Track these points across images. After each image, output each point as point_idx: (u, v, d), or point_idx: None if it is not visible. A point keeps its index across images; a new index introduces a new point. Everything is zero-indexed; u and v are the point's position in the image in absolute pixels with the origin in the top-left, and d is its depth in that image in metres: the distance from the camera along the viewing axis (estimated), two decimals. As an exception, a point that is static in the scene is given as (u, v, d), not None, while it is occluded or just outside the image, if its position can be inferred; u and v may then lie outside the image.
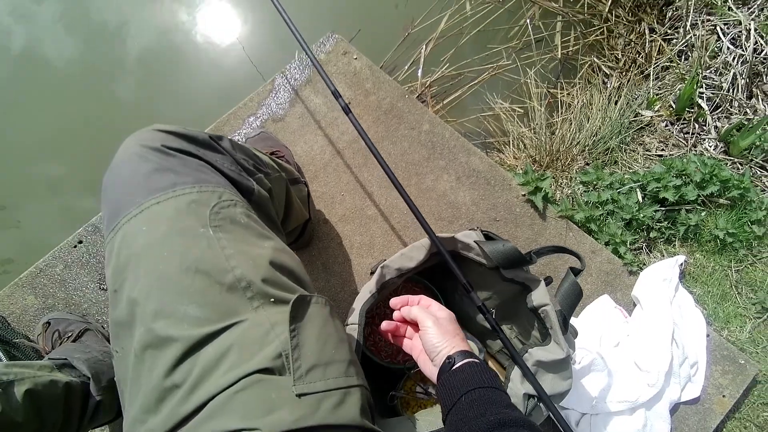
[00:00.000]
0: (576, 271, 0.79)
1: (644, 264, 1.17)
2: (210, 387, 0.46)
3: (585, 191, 1.30)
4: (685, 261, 1.18)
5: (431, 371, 0.64)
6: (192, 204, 0.55)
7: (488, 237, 0.88)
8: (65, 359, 0.95)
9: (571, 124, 1.51)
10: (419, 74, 1.74)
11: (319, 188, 1.26)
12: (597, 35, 1.70)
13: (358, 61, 1.40)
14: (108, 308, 0.98)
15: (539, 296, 0.81)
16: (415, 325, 0.71)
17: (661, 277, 1.11)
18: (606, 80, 1.62)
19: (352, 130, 1.33)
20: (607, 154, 1.45)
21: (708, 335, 1.08)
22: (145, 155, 0.57)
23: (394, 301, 0.72)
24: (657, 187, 1.24)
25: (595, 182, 1.30)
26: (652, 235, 1.23)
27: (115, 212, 0.55)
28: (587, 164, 1.43)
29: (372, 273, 0.88)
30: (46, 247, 1.31)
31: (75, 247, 1.25)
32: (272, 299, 0.52)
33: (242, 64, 1.81)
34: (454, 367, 0.60)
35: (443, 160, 1.28)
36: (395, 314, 0.72)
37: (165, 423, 0.46)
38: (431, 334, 0.64)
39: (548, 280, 0.86)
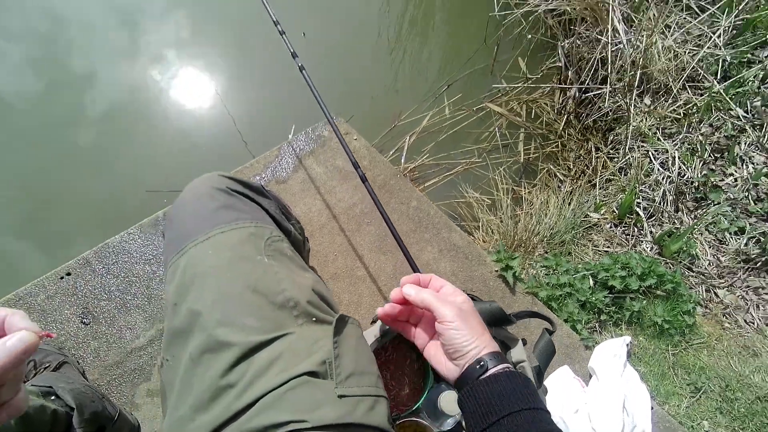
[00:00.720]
0: (550, 332, 0.92)
1: (597, 341, 1.33)
2: (263, 385, 0.53)
3: (546, 274, 1.49)
4: (630, 342, 1.35)
5: (448, 370, 0.56)
6: (251, 236, 0.66)
7: (473, 298, 1.01)
8: (50, 387, 0.93)
9: (532, 217, 1.74)
10: (402, 160, 1.96)
11: (314, 246, 1.36)
12: (553, 147, 2.01)
13: (357, 141, 1.59)
14: (85, 342, 1.15)
15: (518, 353, 0.93)
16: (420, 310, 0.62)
17: (611, 353, 1.26)
18: (560, 185, 1.90)
19: (348, 198, 1.47)
20: (562, 245, 1.67)
21: (652, 408, 1.22)
22: (213, 194, 0.69)
23: (404, 279, 0.60)
24: (606, 276, 1.44)
25: (554, 267, 1.49)
26: (602, 317, 1.41)
27: (182, 238, 0.65)
28: (546, 252, 1.64)
29: (373, 322, 0.97)
30: None
31: (62, 278, 1.25)
32: (314, 318, 0.62)
33: (210, 129, 1.97)
34: (487, 374, 0.51)
35: (428, 233, 1.44)
36: (394, 294, 0.59)
37: (217, 418, 0.52)
38: (455, 329, 0.53)
39: (523, 342, 0.99)
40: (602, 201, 1.79)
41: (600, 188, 1.84)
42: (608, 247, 1.68)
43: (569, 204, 1.77)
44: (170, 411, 0.58)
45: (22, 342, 0.36)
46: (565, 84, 2.06)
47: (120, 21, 2.17)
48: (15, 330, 0.37)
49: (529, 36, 2.25)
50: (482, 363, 0.52)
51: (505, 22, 2.21)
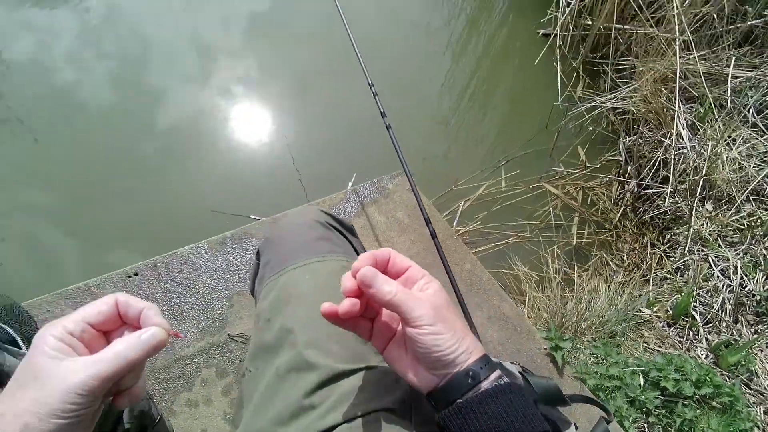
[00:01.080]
0: (607, 421, 0.89)
1: (643, 444, 1.26)
2: (343, 413, 0.53)
3: (594, 361, 1.44)
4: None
5: (420, 379, 0.45)
6: (343, 269, 0.68)
7: (524, 371, 0.99)
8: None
9: (581, 302, 1.72)
10: (455, 223, 1.99)
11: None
12: (607, 236, 2.01)
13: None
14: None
15: (571, 436, 0.90)
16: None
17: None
18: (613, 274, 1.88)
19: (405, 251, 1.50)
20: (611, 336, 1.62)
21: None
22: (313, 225, 0.73)
23: (358, 263, 0.45)
24: (658, 376, 1.39)
25: (603, 356, 1.45)
26: (651, 419, 1.34)
27: (282, 261, 0.69)
28: (594, 339, 1.60)
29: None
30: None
31: (130, 277, 1.30)
32: None
33: (268, 163, 2.10)
34: (480, 390, 0.42)
35: (478, 298, 1.43)
36: (347, 283, 0.45)
37: None
38: (434, 334, 0.41)
39: (575, 427, 0.96)
40: (656, 298, 1.75)
41: (654, 285, 1.81)
42: (659, 346, 1.62)
43: (621, 296, 1.75)
44: (247, 420, 0.58)
45: (155, 338, 0.39)
46: (624, 178, 2.10)
47: (199, 52, 2.43)
48: (149, 324, 0.39)
49: (591, 128, 2.32)
50: (472, 374, 0.42)
51: (569, 114, 2.31)
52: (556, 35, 2.46)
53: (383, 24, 2.66)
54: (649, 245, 1.93)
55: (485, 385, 0.42)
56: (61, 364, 0.34)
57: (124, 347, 0.37)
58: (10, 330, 0.94)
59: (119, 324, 0.40)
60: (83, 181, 1.93)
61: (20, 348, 0.98)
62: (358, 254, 0.77)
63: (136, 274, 1.30)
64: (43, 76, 2.21)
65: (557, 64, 2.44)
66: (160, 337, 0.39)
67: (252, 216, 1.88)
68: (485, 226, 2.00)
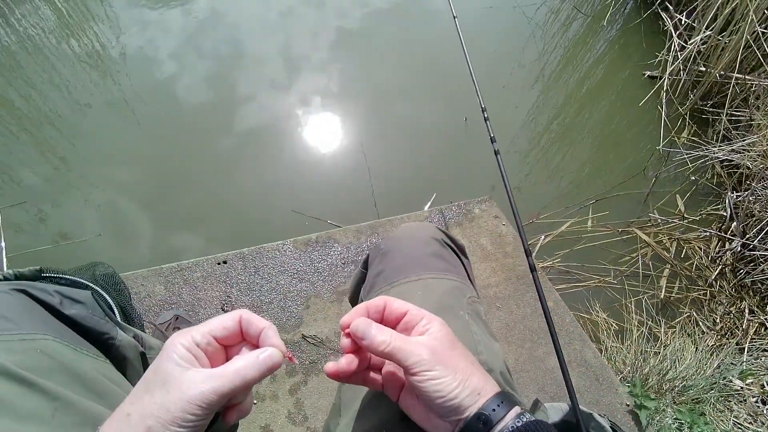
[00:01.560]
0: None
1: None
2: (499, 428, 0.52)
3: (678, 427, 1.33)
4: None
5: (435, 427, 0.43)
6: (455, 290, 0.67)
7: (615, 428, 0.93)
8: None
9: (664, 360, 1.60)
10: (532, 257, 1.93)
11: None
12: (700, 294, 1.86)
13: (506, 227, 1.60)
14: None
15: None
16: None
17: None
18: (702, 336, 1.74)
19: (485, 278, 1.47)
20: (696, 402, 1.49)
21: None
22: (429, 242, 0.72)
23: (348, 317, 0.44)
24: (750, 457, 1.26)
25: (690, 425, 1.33)
26: (738, 503, 1.22)
27: (395, 272, 0.68)
28: (675, 403, 1.47)
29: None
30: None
31: (219, 264, 1.36)
32: None
33: (345, 174, 2.15)
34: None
35: (559, 339, 1.37)
36: (344, 340, 0.44)
37: None
38: (434, 379, 0.39)
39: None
40: (750, 370, 1.60)
41: (750, 355, 1.65)
42: (751, 423, 1.47)
43: (710, 360, 1.61)
44: (342, 428, 0.57)
45: (272, 359, 0.39)
46: (727, 235, 1.94)
47: (286, 62, 2.56)
48: (268, 344, 0.40)
49: (693, 178, 2.18)
50: (484, 418, 0.39)
51: (675, 160, 2.19)
52: (663, 78, 2.35)
53: (472, 47, 2.67)
54: (747, 311, 1.77)
55: (502, 427, 0.39)
56: (185, 374, 0.36)
57: (244, 365, 0.38)
58: (109, 299, 1.01)
59: (240, 340, 0.42)
60: (171, 167, 2.07)
61: (116, 316, 1.06)
62: (468, 277, 0.76)
63: (225, 262, 1.37)
64: (149, 67, 2.42)
65: (662, 107, 2.32)
66: (277, 359, 0.39)
67: (329, 221, 1.92)
68: (566, 264, 1.92)
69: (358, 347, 0.44)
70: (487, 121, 1.22)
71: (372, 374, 0.48)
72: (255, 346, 0.41)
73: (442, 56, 2.58)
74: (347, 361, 0.43)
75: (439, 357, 0.40)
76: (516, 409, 0.40)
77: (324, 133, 2.26)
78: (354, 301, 0.83)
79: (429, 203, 2.01)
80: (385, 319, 0.45)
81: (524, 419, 0.39)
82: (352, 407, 0.59)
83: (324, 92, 2.43)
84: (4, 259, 1.51)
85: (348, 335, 0.44)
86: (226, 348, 0.42)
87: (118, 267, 1.30)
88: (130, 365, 0.61)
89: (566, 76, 2.65)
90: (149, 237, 1.87)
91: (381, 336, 0.41)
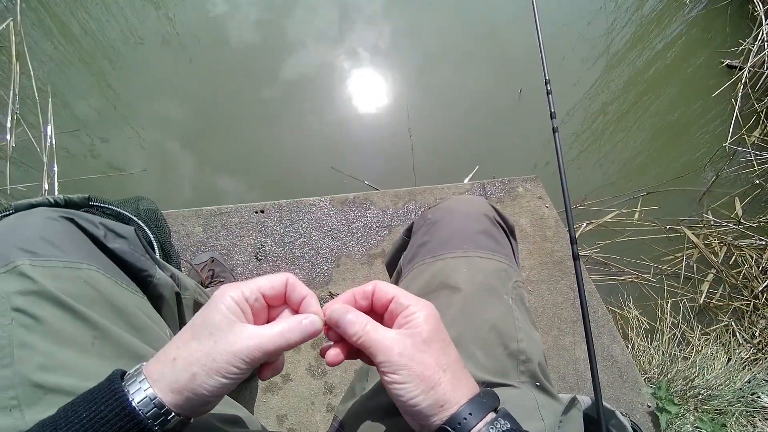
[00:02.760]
0: None
1: None
2: (479, 425, 0.51)
3: (697, 436, 1.30)
4: None
5: (415, 427, 0.41)
6: (502, 272, 0.64)
7: (636, 428, 0.91)
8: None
9: (692, 366, 1.55)
10: (577, 246, 1.87)
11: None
12: (743, 304, 1.78)
13: (549, 210, 1.55)
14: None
15: None
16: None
17: None
18: (737, 347, 1.67)
19: (521, 260, 1.43)
20: (718, 413, 1.45)
21: None
22: (479, 218, 0.68)
23: (326, 306, 0.42)
24: (770, 477, 1.22)
25: (710, 434, 1.30)
26: None
27: (441, 246, 0.65)
28: (697, 410, 1.44)
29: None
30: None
31: (257, 212, 1.38)
32: (537, 383, 0.57)
33: (387, 135, 2.09)
34: None
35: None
36: (330, 333, 0.43)
37: None
38: (394, 383, 0.37)
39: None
40: (785, 389, 1.53)
41: (786, 374, 1.58)
42: (776, 443, 1.42)
43: (741, 373, 1.54)
44: (371, 395, 0.57)
45: (314, 325, 0.39)
46: (785, 246, 1.83)
47: (338, 11, 2.47)
48: (310, 311, 0.40)
49: (758, 181, 2.04)
50: (457, 427, 0.37)
51: (740, 161, 2.04)
52: (743, 69, 2.16)
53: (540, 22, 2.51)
54: (792, 330, 1.68)
55: None
56: (233, 327, 0.36)
57: (288, 328, 0.38)
58: (150, 234, 1.03)
59: (282, 302, 0.42)
60: (217, 109, 2.08)
61: (155, 253, 1.08)
62: (516, 260, 0.72)
63: (262, 211, 1.38)
64: (203, 5, 2.38)
65: (736, 101, 2.15)
66: (318, 326, 0.40)
67: (366, 182, 1.90)
68: (604, 255, 1.86)
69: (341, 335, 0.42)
70: (550, 95, 1.15)
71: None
72: (295, 310, 0.42)
73: (502, 20, 2.45)
74: (334, 354, 0.42)
75: (407, 358, 0.37)
76: (488, 417, 0.38)
77: (368, 90, 2.21)
78: (392, 267, 0.81)
79: (470, 176, 1.96)
80: (374, 306, 0.43)
81: (497, 428, 0.37)
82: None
83: (373, 48, 2.36)
84: (56, 184, 1.57)
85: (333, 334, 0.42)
86: (269, 307, 0.42)
87: (161, 203, 1.34)
88: (166, 304, 0.63)
89: (634, 56, 2.48)
90: (190, 177, 1.91)
91: (355, 326, 0.39)
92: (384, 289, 0.42)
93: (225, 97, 2.10)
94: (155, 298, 0.62)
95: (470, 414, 0.37)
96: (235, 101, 2.10)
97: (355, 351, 0.43)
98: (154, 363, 0.36)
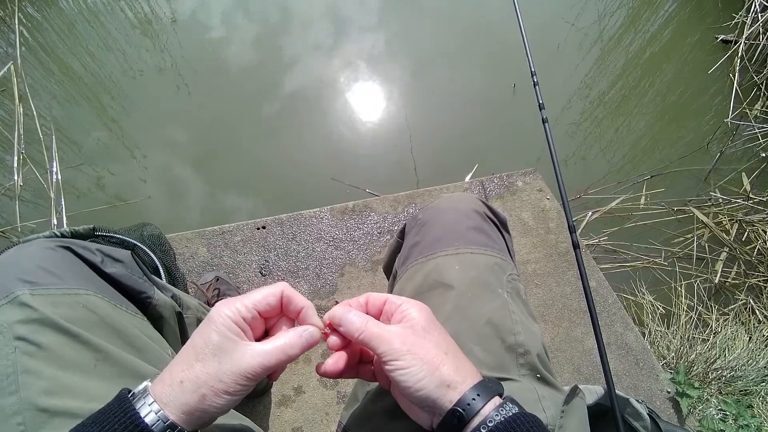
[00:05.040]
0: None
1: None
2: (478, 419, 0.51)
3: (722, 418, 1.27)
4: None
5: (419, 418, 0.42)
6: (495, 266, 0.64)
7: (651, 413, 0.89)
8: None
9: (713, 348, 1.51)
10: (577, 234, 1.85)
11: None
12: (759, 280, 1.74)
13: (550, 202, 1.54)
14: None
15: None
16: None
17: None
18: (758, 325, 1.63)
19: (525, 254, 1.43)
20: (744, 394, 1.42)
21: None
22: (470, 214, 0.69)
23: (331, 312, 0.44)
24: (800, 454, 1.19)
25: (735, 416, 1.27)
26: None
27: (432, 245, 0.66)
28: (721, 393, 1.41)
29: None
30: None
31: (258, 229, 1.40)
32: (537, 375, 0.57)
33: (386, 142, 2.11)
34: (478, 430, 0.37)
35: (600, 321, 1.33)
36: (330, 338, 0.44)
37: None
38: (398, 369, 0.38)
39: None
40: (810, 364, 1.49)
41: (810, 348, 1.54)
42: (805, 420, 1.38)
43: (763, 352, 1.51)
44: (372, 398, 0.57)
45: (313, 337, 0.41)
46: (798, 218, 1.79)
47: (333, 24, 2.50)
48: (308, 323, 0.42)
49: (764, 154, 2.00)
50: (459, 413, 0.37)
51: (744, 135, 2.01)
52: (738, 43, 2.14)
53: (527, 11, 2.51)
54: (813, 303, 1.64)
55: (479, 422, 0.37)
56: (236, 347, 0.38)
57: (288, 343, 0.40)
58: (155, 258, 1.04)
59: (279, 313, 0.43)
60: (219, 132, 2.11)
61: (161, 277, 1.06)
62: (510, 253, 0.72)
63: (264, 227, 1.40)
64: (200, 32, 2.43)
65: (734, 76, 2.12)
66: (317, 337, 0.42)
67: (367, 190, 1.91)
68: (613, 243, 1.84)
69: (346, 343, 0.44)
70: (536, 86, 1.15)
71: (363, 367, 0.47)
72: (292, 320, 0.44)
73: (492, 18, 2.46)
74: (334, 361, 0.43)
75: (409, 345, 0.39)
76: (495, 401, 0.38)
77: (366, 99, 2.23)
78: (388, 270, 0.82)
79: (470, 174, 1.96)
80: (369, 313, 0.44)
81: (504, 412, 0.37)
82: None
83: (368, 57, 2.38)
84: (65, 218, 1.61)
85: (330, 328, 0.44)
86: (266, 319, 0.43)
87: (170, 227, 1.36)
88: (167, 324, 0.64)
89: (628, 40, 2.46)
90: (198, 199, 1.94)
91: (357, 323, 0.41)
92: (375, 296, 0.45)
93: (227, 118, 2.14)
94: (155, 319, 0.63)
95: (478, 395, 0.38)
96: (237, 121, 2.13)
97: (354, 366, 0.45)
98: (160, 385, 0.37)
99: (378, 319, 0.43)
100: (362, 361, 0.47)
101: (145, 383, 0.37)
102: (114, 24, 2.40)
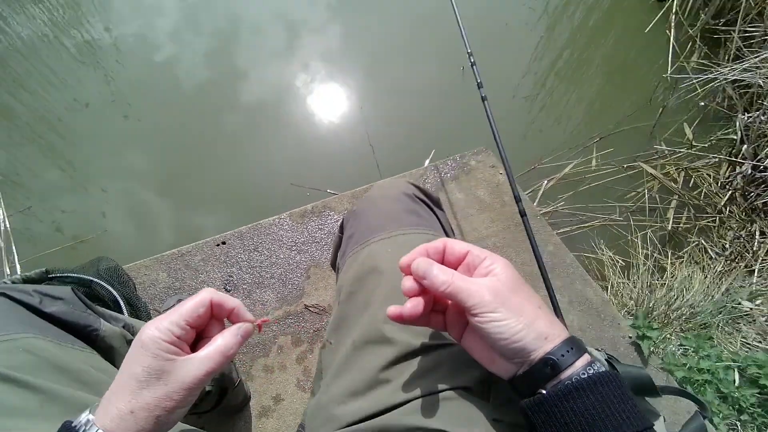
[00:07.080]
0: (704, 416, 0.83)
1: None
2: (419, 389, 0.52)
3: (683, 353, 1.35)
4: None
5: (499, 368, 0.43)
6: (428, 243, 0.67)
7: (610, 358, 0.95)
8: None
9: (671, 290, 1.60)
10: (535, 203, 1.91)
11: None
12: (709, 221, 1.83)
13: (503, 176, 1.59)
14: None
15: (659, 429, 0.85)
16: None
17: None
18: (711, 263, 1.72)
19: (483, 229, 1.47)
20: (703, 328, 1.50)
21: None
22: (400, 198, 0.72)
23: (407, 257, 0.45)
24: (757, 373, 1.27)
25: (694, 349, 1.34)
26: (743, 417, 1.24)
27: (366, 233, 0.68)
28: (683, 330, 1.49)
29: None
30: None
31: (218, 245, 1.41)
32: None
33: (346, 138, 2.15)
34: (564, 382, 0.37)
35: (560, 281, 1.38)
36: (406, 283, 0.44)
37: (369, 408, 0.53)
38: (496, 321, 0.38)
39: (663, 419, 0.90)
40: (760, 290, 1.59)
41: (759, 276, 1.63)
42: (760, 341, 1.47)
43: (719, 286, 1.60)
44: (323, 389, 0.60)
45: (248, 333, 0.45)
46: (737, 159, 1.88)
47: (285, 28, 2.52)
48: (242, 321, 0.45)
49: (703, 104, 2.09)
50: (551, 363, 0.38)
51: (680, 87, 2.10)
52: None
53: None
54: (758, 233, 1.73)
55: (570, 374, 0.37)
56: (177, 365, 0.39)
57: (225, 344, 0.42)
58: (114, 291, 1.04)
59: (209, 320, 0.45)
60: (176, 153, 2.10)
61: (121, 309, 1.05)
62: (444, 229, 0.75)
63: (224, 243, 1.41)
64: (148, 53, 2.40)
65: (670, 31, 2.21)
66: (251, 331, 0.45)
67: (328, 190, 1.94)
68: (570, 206, 1.91)
69: (421, 289, 0.43)
70: (474, 66, 1.19)
71: (435, 316, 0.47)
72: (221, 320, 0.46)
73: (438, 6, 2.49)
74: (413, 305, 0.43)
75: (502, 299, 0.39)
76: (586, 357, 0.38)
77: (323, 101, 2.25)
78: (334, 266, 0.84)
79: (428, 159, 2.00)
80: (445, 261, 0.45)
81: (593, 369, 0.37)
82: (331, 370, 0.61)
83: (322, 59, 2.40)
84: (17, 266, 1.59)
85: (409, 275, 0.44)
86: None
87: (142, 256, 1.36)
88: (117, 354, 0.65)
89: (572, 9, 2.53)
90: (167, 223, 1.94)
91: (443, 276, 0.41)
92: (456, 245, 0.45)
93: (185, 138, 2.13)
94: (105, 350, 0.64)
95: (571, 349, 0.38)
96: (196, 140, 2.12)
97: (426, 315, 0.45)
98: (107, 419, 0.37)
99: (456, 269, 0.44)
100: (434, 310, 0.47)
101: (85, 414, 0.38)
102: (52, 58, 2.36)
